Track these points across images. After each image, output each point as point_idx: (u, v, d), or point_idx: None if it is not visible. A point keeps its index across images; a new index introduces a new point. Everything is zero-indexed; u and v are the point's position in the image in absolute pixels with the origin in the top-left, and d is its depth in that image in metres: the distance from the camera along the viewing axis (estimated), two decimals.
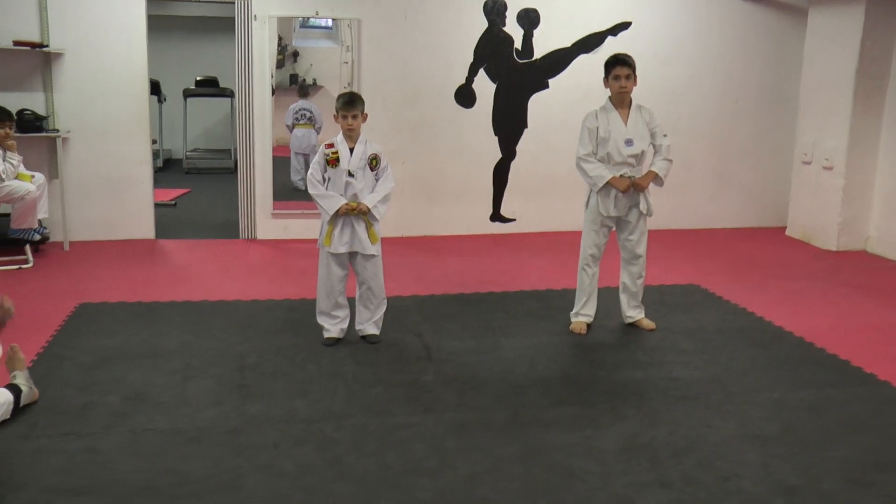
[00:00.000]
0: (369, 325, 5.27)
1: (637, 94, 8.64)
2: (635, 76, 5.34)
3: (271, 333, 5.38)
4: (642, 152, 5.42)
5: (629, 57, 5.33)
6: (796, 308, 6.19)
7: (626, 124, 5.35)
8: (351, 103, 4.97)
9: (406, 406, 4.30)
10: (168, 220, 8.79)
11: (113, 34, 7.69)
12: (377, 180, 5.11)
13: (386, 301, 5.32)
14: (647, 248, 5.69)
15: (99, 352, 4.97)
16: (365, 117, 5.05)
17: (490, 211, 8.73)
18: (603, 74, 5.41)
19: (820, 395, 4.54)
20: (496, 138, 8.56)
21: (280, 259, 7.54)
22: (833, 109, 8.13)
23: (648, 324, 5.63)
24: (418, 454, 3.77)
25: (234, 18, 7.96)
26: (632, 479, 3.58)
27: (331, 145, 5.04)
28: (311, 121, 8.86)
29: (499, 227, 8.76)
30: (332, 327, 5.23)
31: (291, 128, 8.90)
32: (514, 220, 8.78)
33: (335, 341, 5.20)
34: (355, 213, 5.00)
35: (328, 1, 8.00)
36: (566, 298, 6.17)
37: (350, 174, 5.01)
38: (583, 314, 5.59)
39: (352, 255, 5.16)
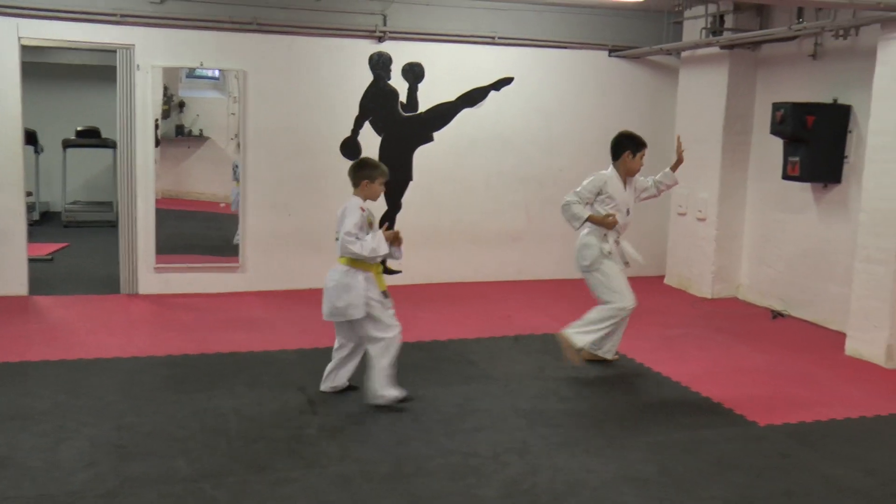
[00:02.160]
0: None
1: (518, 146, 8.93)
2: None
3: (151, 391, 5.23)
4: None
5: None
6: (674, 354, 6.41)
7: (626, 193, 6.02)
8: (385, 172, 5.26)
9: (289, 461, 4.25)
10: (44, 276, 8.47)
11: None
12: None
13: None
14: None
15: None
16: (365, 184, 5.18)
17: None
18: (624, 148, 6.03)
19: (694, 437, 4.71)
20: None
21: (162, 314, 7.35)
22: (704, 163, 8.53)
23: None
24: None
25: (115, 67, 7.82)
26: None
27: (364, 208, 5.11)
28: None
29: (385, 280, 8.76)
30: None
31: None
32: (399, 272, 8.81)
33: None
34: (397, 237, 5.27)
35: (213, 52, 7.95)
36: (452, 350, 6.23)
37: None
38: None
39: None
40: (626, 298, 5.86)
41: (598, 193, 5.93)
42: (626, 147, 5.99)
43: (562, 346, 5.80)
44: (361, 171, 5.13)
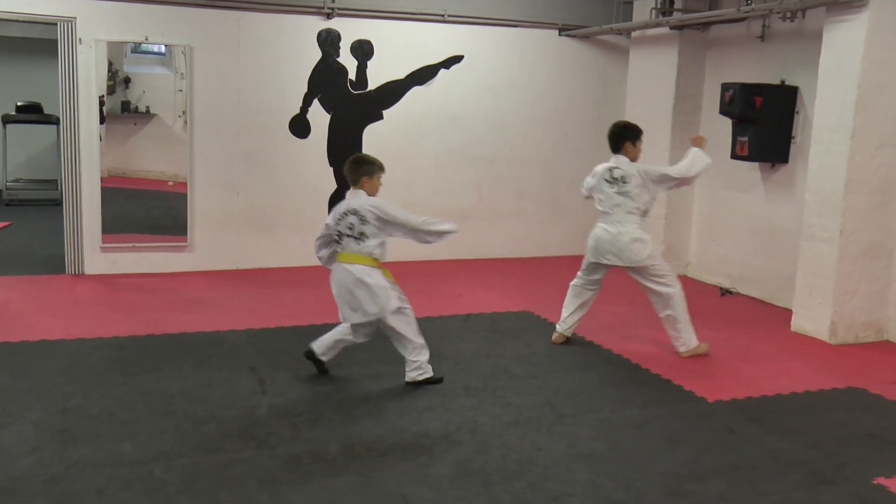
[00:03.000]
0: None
1: (469, 124, 8.89)
2: None
3: (98, 373, 5.14)
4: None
5: None
6: (624, 332, 6.48)
7: None
8: (349, 167, 5.10)
9: (239, 442, 4.21)
10: None
11: None
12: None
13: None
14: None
15: None
16: (367, 181, 5.05)
17: None
18: (631, 137, 6.06)
19: (644, 414, 4.77)
20: (331, 169, 8.55)
21: (109, 295, 7.22)
22: (654, 143, 8.58)
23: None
24: (251, 490, 3.70)
25: (56, 41, 7.61)
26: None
27: None
28: None
29: None
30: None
31: None
32: None
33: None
34: None
35: (158, 26, 7.77)
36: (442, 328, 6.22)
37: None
38: None
39: None
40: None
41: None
42: (627, 138, 6.02)
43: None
44: (360, 168, 5.05)
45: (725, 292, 7.88)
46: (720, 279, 8.16)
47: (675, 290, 5.82)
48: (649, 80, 8.68)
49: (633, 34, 8.93)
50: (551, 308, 7.02)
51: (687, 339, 5.85)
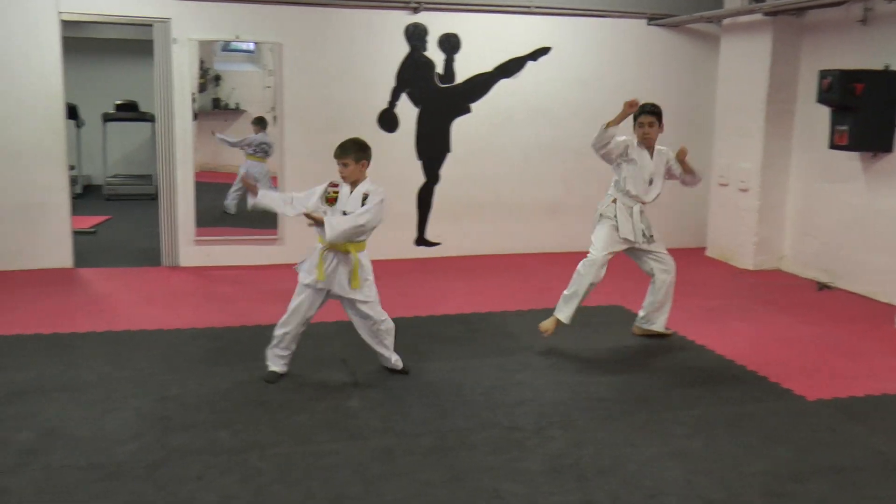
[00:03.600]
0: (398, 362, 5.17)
1: (556, 117, 8.80)
2: (661, 124, 5.77)
3: (194, 363, 5.28)
4: (657, 196, 5.89)
5: (655, 106, 5.79)
6: (717, 326, 6.33)
7: (651, 162, 5.80)
8: (340, 149, 4.91)
9: (331, 433, 4.26)
10: (87, 248, 8.57)
11: (27, 56, 7.50)
12: None
13: (388, 322, 5.13)
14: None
15: (10, 386, 4.80)
16: (363, 165, 4.90)
17: (414, 235, 8.75)
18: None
19: (740, 411, 4.65)
20: (419, 162, 8.59)
21: (203, 286, 7.40)
22: (746, 132, 8.39)
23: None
24: (343, 481, 3.73)
25: (152, 41, 7.84)
26: (558, 500, 3.60)
27: (335, 185, 4.96)
28: (266, 154, 8.71)
29: (423, 252, 8.78)
30: (278, 361, 5.07)
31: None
32: (438, 244, 8.80)
33: (278, 377, 5.02)
34: (311, 222, 4.89)
35: (249, 24, 7.94)
36: (490, 322, 6.22)
37: (344, 213, 4.88)
38: None
39: (342, 299, 5.04)
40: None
41: (623, 154, 5.75)
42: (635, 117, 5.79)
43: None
44: (367, 152, 4.98)
45: (823, 287, 7.63)
46: (816, 273, 7.90)
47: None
48: (741, 69, 8.45)
49: (725, 22, 8.70)
50: (639, 302, 6.89)
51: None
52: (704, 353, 5.68)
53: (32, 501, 3.51)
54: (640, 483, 3.77)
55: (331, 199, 4.94)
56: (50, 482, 3.68)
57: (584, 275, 5.70)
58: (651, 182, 5.83)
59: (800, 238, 8.21)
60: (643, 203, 5.84)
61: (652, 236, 5.93)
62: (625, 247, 5.86)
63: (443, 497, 3.61)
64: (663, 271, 5.94)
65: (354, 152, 4.90)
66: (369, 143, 8.28)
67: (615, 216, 5.78)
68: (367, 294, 4.97)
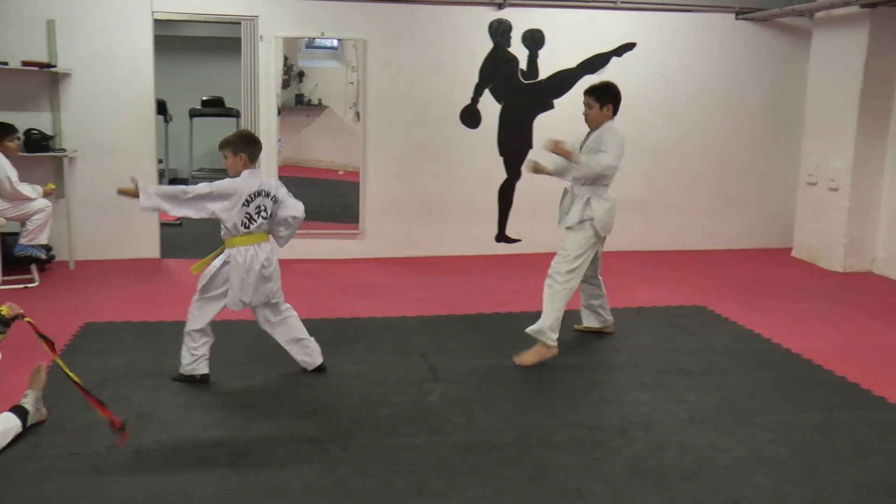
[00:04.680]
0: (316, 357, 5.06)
1: (640, 114, 8.66)
2: (601, 104, 5.41)
3: (277, 353, 5.34)
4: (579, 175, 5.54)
5: (598, 86, 5.50)
6: (803, 329, 6.16)
7: (581, 146, 5.54)
8: (220, 143, 4.81)
9: (412, 427, 4.28)
10: (173, 240, 8.79)
11: (120, 54, 7.74)
12: None
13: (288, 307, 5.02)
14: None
15: (104, 371, 4.96)
16: (240, 159, 4.72)
17: (495, 231, 8.73)
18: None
19: (829, 418, 4.51)
20: (501, 158, 8.57)
21: (284, 278, 7.42)
22: (838, 130, 8.13)
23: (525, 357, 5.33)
24: (425, 475, 3.75)
25: (240, 39, 8.01)
26: (640, 502, 3.55)
27: None
28: None
29: (504, 248, 8.76)
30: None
31: None
32: (519, 240, 8.77)
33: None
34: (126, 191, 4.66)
35: (334, 21, 8.04)
36: (572, 319, 6.15)
37: None
38: None
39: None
40: None
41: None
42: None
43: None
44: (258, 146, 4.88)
45: None
46: None
47: None
48: (834, 64, 8.19)
49: (817, 15, 8.44)
50: (725, 303, 6.78)
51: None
52: (791, 357, 5.53)
53: (123, 483, 3.62)
54: (725, 489, 3.68)
55: None
56: (139, 465, 3.79)
57: None
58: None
59: (894, 239, 7.92)
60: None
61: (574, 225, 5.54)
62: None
63: (525, 494, 3.60)
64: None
65: (228, 146, 4.77)
66: (452, 138, 8.41)
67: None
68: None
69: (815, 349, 5.66)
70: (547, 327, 5.27)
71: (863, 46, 7.80)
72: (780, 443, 4.18)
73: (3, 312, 3.71)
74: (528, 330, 5.33)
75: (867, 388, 4.94)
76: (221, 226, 4.78)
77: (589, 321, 5.89)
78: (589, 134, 5.53)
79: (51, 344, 3.99)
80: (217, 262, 4.82)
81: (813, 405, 4.70)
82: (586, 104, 5.47)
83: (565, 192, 5.65)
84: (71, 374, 3.92)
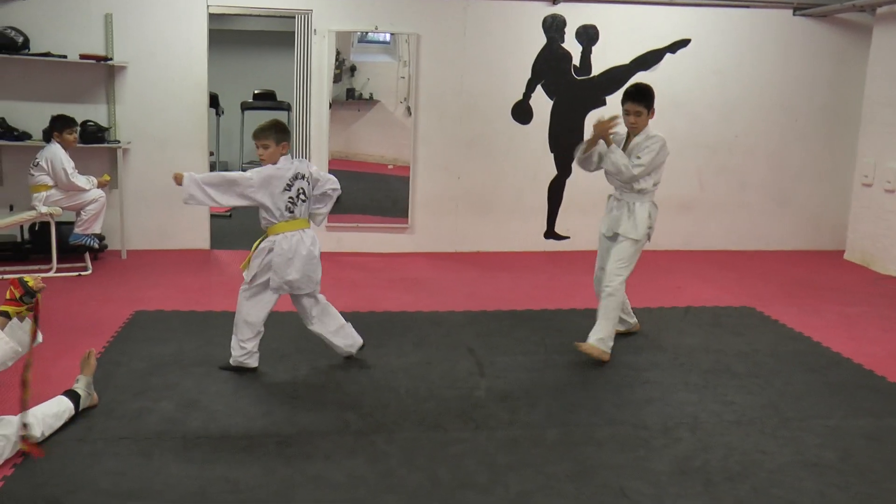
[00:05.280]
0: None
1: (693, 110, 8.55)
2: (648, 109, 5.24)
3: (322, 345, 5.40)
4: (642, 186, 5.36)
5: (640, 90, 5.26)
6: (854, 334, 6.05)
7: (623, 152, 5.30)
8: (259, 131, 4.80)
9: (457, 421, 4.29)
10: (223, 231, 8.91)
11: (175, 48, 7.86)
12: None
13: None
14: (620, 273, 5.33)
15: (154, 358, 5.05)
16: (283, 148, 4.79)
17: (544, 228, 8.71)
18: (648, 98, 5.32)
19: (879, 425, 4.42)
20: (552, 155, 8.54)
21: (333, 271, 7.55)
22: (895, 130, 7.96)
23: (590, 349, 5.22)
24: (469, 469, 3.76)
25: (293, 33, 8.09)
26: (685, 503, 3.52)
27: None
28: None
29: (553, 245, 8.73)
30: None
31: None
32: (568, 237, 8.74)
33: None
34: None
35: (387, 16, 8.08)
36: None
37: None
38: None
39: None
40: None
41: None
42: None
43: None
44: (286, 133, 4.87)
45: None
46: None
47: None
48: (894, 61, 8.01)
49: (879, 10, 8.25)
50: (774, 304, 6.68)
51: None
52: (841, 361, 5.44)
53: (172, 468, 3.69)
54: (770, 492, 3.64)
55: None
56: (187, 451, 3.85)
57: None
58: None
59: None
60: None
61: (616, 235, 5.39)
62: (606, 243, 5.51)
63: (568, 491, 3.59)
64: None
65: (274, 134, 4.80)
66: (504, 134, 8.40)
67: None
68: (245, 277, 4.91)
69: (866, 354, 5.56)
70: (608, 336, 5.24)
71: None
72: (828, 447, 4.11)
73: (29, 283, 3.76)
74: (591, 341, 5.22)
75: None
76: (262, 216, 4.85)
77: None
78: (628, 138, 5.35)
79: (34, 333, 3.83)
80: (262, 248, 4.86)
81: (862, 411, 4.62)
82: (634, 112, 5.22)
83: (610, 197, 5.53)
84: (27, 376, 3.74)
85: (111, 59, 7.68)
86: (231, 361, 4.91)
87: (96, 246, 7.31)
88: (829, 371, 5.24)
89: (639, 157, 5.23)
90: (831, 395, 4.82)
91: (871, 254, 8.30)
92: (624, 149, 5.30)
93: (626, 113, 5.24)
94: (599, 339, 5.21)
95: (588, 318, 6.16)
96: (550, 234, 8.72)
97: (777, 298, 6.93)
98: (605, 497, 3.55)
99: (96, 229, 7.28)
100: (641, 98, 5.22)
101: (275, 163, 4.80)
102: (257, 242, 4.91)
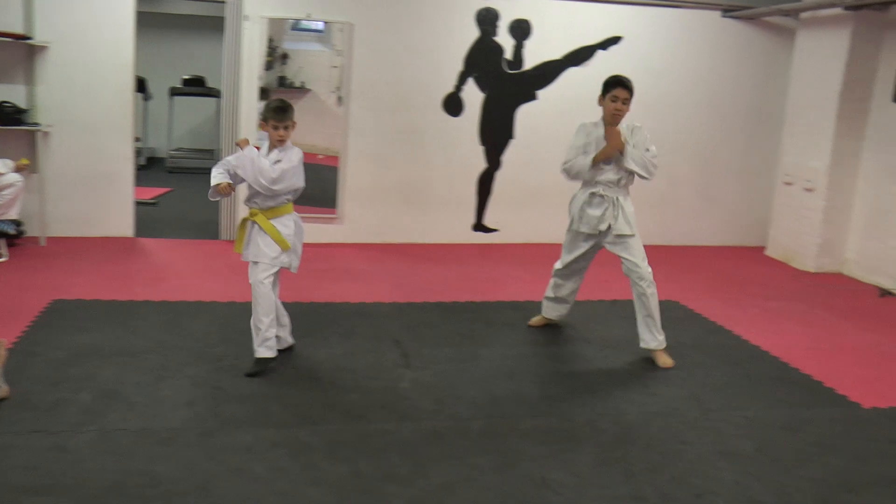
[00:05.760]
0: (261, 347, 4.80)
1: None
2: (630, 103, 5.25)
3: (248, 336, 5.30)
4: (620, 178, 5.38)
5: (630, 81, 5.24)
6: (774, 328, 6.21)
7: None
8: (284, 112, 4.65)
9: (382, 413, 4.28)
10: (148, 219, 8.73)
11: (100, 29, 7.64)
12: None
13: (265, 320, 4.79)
14: (647, 265, 5.41)
15: (72, 348, 4.92)
16: (293, 125, 4.74)
17: (473, 220, 8.73)
18: (600, 91, 5.30)
19: (794, 415, 4.55)
20: (482, 148, 8.56)
21: None
22: (816, 131, 8.18)
23: (664, 360, 5.27)
24: (392, 461, 3.75)
25: (224, 18, 7.93)
26: (606, 493, 3.57)
27: (258, 148, 4.80)
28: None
29: (481, 237, 8.76)
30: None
31: None
32: (496, 230, 8.77)
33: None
34: (251, 217, 4.77)
35: (321, 4, 7.98)
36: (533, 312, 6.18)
37: None
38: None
39: None
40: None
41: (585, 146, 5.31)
42: (602, 91, 5.28)
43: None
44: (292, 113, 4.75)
45: (885, 293, 7.43)
46: (880, 279, 7.69)
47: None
48: (817, 65, 8.23)
49: (803, 15, 8.47)
50: (699, 299, 6.82)
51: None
52: (761, 354, 5.58)
53: (88, 461, 3.60)
54: (690, 481, 3.72)
55: None
56: (105, 444, 3.76)
57: None
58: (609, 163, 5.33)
59: (865, 242, 7.99)
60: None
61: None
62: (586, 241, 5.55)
63: (491, 482, 3.61)
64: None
65: (293, 113, 4.74)
66: (435, 126, 8.38)
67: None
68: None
69: (785, 347, 5.71)
70: (658, 331, 5.29)
71: (844, 48, 7.84)
72: (745, 438, 4.22)
73: None
74: (652, 346, 5.27)
75: (830, 387, 5.00)
76: (285, 197, 4.76)
77: (552, 313, 5.81)
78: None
79: None
80: (289, 229, 4.78)
81: (779, 402, 4.75)
82: (623, 99, 5.17)
83: (593, 195, 5.40)
84: None
85: (31, 38, 7.43)
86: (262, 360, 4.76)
87: (13, 232, 7.08)
88: (749, 364, 5.37)
89: (648, 150, 5.31)
90: (750, 387, 4.95)
91: (792, 250, 8.53)
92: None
93: (614, 99, 5.18)
94: (660, 341, 5.27)
95: (513, 310, 6.24)
96: (479, 226, 8.75)
97: (701, 293, 7.08)
98: (527, 488, 3.57)
99: (13, 215, 7.06)
100: (630, 87, 5.22)
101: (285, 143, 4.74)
102: (266, 223, 4.74)
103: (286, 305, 5.81)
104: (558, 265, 5.70)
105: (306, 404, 4.33)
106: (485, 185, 8.65)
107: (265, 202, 4.76)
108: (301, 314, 5.83)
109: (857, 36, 7.80)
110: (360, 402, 4.39)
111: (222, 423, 4.05)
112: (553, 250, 8.48)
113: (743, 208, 9.33)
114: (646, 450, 4.00)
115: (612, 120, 5.25)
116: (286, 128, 4.69)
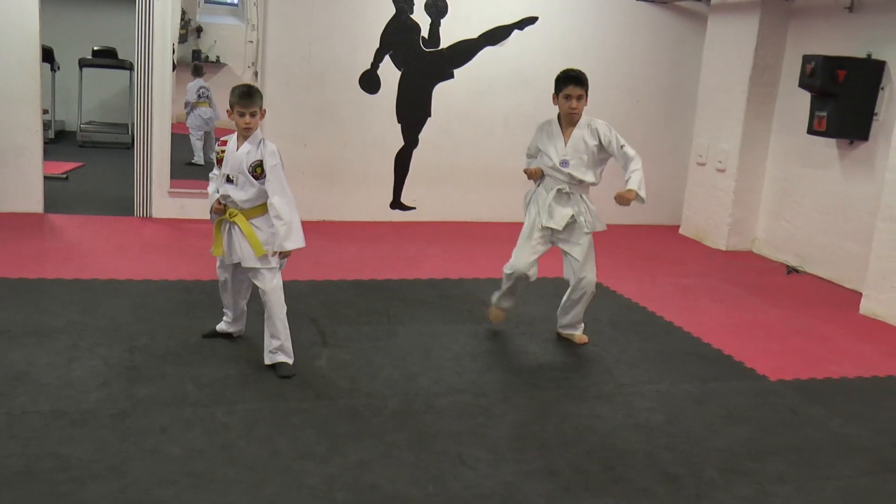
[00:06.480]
0: (276, 354, 4.53)
1: (539, 87, 8.73)
2: (587, 96, 5.00)
3: (164, 315, 5.25)
4: (581, 180, 5.17)
5: (583, 74, 4.99)
6: (686, 304, 6.39)
7: (565, 144, 5.05)
8: (249, 97, 4.31)
9: (298, 391, 4.26)
10: (58, 195, 8.47)
11: None
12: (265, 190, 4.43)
13: (287, 326, 4.58)
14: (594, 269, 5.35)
15: None
16: (263, 114, 4.42)
17: (390, 198, 8.72)
18: (553, 88, 5.04)
19: (704, 389, 4.71)
20: (399, 126, 8.54)
21: (176, 239, 7.34)
22: (727, 113, 8.41)
23: (579, 337, 5.34)
24: (309, 440, 3.75)
25: None
26: (521, 468, 3.64)
27: (224, 143, 4.52)
28: (208, 99, 8.71)
29: (398, 215, 8.76)
30: (222, 323, 4.97)
31: (193, 106, 8.70)
32: (413, 208, 8.78)
33: (213, 334, 4.91)
34: (228, 218, 4.54)
35: None
36: (462, 288, 6.23)
37: (228, 179, 4.50)
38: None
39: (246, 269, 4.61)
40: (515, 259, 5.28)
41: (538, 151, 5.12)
42: (554, 89, 5.02)
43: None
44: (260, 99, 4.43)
45: (792, 270, 7.71)
46: (787, 257, 7.98)
47: None
48: (726, 50, 8.46)
49: (713, 1, 8.68)
50: (615, 277, 6.95)
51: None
52: (673, 329, 5.74)
53: None
54: (601, 454, 3.81)
55: (219, 161, 4.53)
56: (13, 427, 3.66)
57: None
58: (564, 164, 5.09)
59: (773, 221, 8.28)
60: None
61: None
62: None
63: (407, 459, 3.64)
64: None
65: (260, 99, 4.40)
66: (352, 103, 8.32)
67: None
68: (266, 262, 4.55)
69: (697, 323, 5.89)
70: (580, 322, 5.35)
71: (753, 34, 8.07)
72: (657, 411, 4.34)
73: None
74: (566, 332, 5.33)
75: (740, 360, 5.18)
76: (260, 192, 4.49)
77: (508, 303, 5.52)
78: (565, 132, 5.06)
79: None
80: (265, 234, 4.53)
81: (690, 376, 4.90)
82: (577, 96, 4.91)
83: (559, 191, 5.17)
84: None
85: None
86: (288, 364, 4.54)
87: None
88: (662, 339, 5.52)
89: (623, 147, 5.14)
90: (663, 362, 5.09)
91: (704, 229, 8.77)
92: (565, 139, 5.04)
93: (567, 98, 4.91)
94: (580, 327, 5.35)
95: (430, 287, 6.28)
96: (396, 204, 8.74)
97: (616, 271, 7.22)
98: (443, 464, 3.61)
99: None
100: (583, 81, 4.94)
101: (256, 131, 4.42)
102: (246, 226, 4.51)
103: (202, 284, 5.73)
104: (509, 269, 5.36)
105: (222, 383, 4.28)
106: (402, 163, 8.64)
107: (244, 203, 4.52)
108: (216, 292, 5.74)
109: (765, 23, 8.03)
110: (276, 381, 4.36)
111: (136, 403, 3.98)
112: (469, 228, 8.58)
113: (659, 188, 9.50)
114: (560, 424, 4.09)
115: (568, 119, 5.01)
116: (252, 115, 4.32)
